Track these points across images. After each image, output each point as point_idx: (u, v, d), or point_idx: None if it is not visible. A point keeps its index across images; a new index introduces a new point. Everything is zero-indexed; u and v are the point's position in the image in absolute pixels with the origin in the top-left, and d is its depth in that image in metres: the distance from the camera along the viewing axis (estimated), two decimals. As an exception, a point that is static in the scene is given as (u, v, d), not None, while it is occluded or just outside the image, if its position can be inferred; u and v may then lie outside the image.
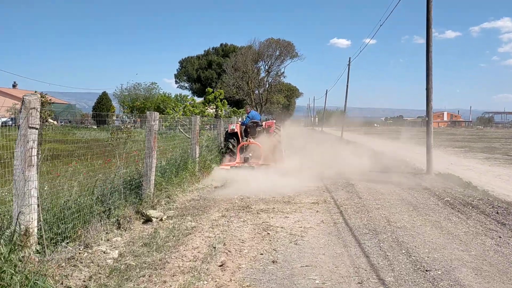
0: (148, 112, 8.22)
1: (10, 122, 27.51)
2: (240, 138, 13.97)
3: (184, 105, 16.40)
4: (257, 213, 7.25)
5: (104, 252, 5.26)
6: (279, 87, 51.70)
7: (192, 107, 16.31)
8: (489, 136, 53.32)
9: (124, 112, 50.31)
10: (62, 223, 5.45)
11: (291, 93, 57.75)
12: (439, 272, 4.47)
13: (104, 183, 6.80)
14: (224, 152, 13.97)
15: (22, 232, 4.26)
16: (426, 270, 4.51)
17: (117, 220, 6.51)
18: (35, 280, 3.87)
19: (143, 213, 7.21)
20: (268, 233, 5.92)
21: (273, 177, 11.40)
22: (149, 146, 8.07)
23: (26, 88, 66.83)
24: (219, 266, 4.59)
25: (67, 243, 5.34)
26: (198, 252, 5.05)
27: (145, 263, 4.69)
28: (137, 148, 8.84)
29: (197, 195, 9.20)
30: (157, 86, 54.24)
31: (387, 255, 4.98)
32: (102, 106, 51.89)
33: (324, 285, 4.12)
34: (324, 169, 12.76)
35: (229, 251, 5.12)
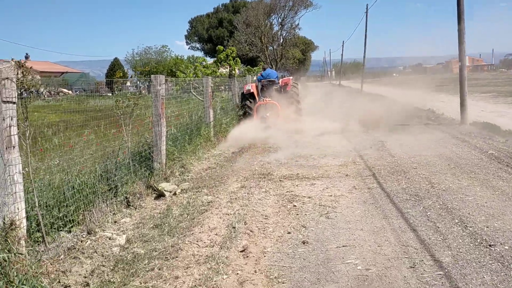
0: (152, 76, 7.43)
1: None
2: (257, 98, 13.20)
3: (194, 66, 15.47)
4: (280, 180, 6.53)
5: (109, 239, 4.63)
6: (294, 40, 49.55)
7: (204, 67, 15.39)
8: (515, 78, 50.93)
9: (137, 77, 49.54)
10: (64, 206, 4.85)
11: (306, 47, 55.57)
12: (506, 247, 3.69)
13: (109, 158, 6.13)
14: (242, 114, 13.24)
15: (7, 226, 3.63)
16: (490, 245, 3.74)
17: (126, 198, 5.88)
18: (22, 283, 3.26)
19: (155, 187, 6.57)
20: (295, 205, 5.20)
21: (293, 137, 10.64)
22: (156, 113, 7.33)
23: (39, 59, 66.42)
24: (240, 252, 3.90)
25: (70, 227, 4.75)
26: (216, 235, 4.38)
27: (155, 251, 4.04)
28: (144, 117, 8.12)
29: (213, 163, 8.52)
30: (168, 49, 52.86)
31: (438, 227, 4.21)
32: (114, 72, 51.14)
33: (369, 272, 3.40)
34: (347, 125, 11.92)
35: (251, 231, 4.43)
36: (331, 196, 5.52)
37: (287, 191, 5.89)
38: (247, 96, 13.12)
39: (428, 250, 3.70)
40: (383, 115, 12.79)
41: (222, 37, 56.29)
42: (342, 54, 60.61)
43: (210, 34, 59.37)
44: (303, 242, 4.05)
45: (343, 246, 3.93)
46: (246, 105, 13.05)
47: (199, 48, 63.06)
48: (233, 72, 17.11)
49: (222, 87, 17.29)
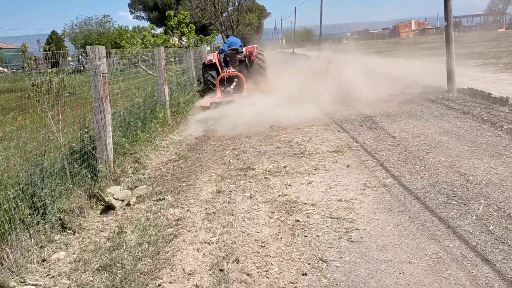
0: (88, 48, 5.67)
1: None
2: (220, 69, 11.77)
3: (143, 36, 13.45)
4: (265, 178, 5.09)
5: (29, 301, 3.06)
6: (250, 5, 46.98)
7: (153, 37, 13.42)
8: (464, 40, 51.53)
9: (77, 50, 45.75)
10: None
11: (260, 13, 53.26)
12: None
13: (33, 163, 4.43)
14: (204, 87, 11.89)
15: None
16: None
17: (60, 218, 4.25)
18: None
19: (101, 196, 4.95)
20: (297, 220, 3.79)
21: (265, 113, 9.19)
22: (97, 97, 5.62)
23: (-36, 34, 60.38)
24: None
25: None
26: (195, 286, 2.89)
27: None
28: (86, 99, 6.36)
29: (174, 153, 6.95)
30: (111, 19, 49.08)
31: (517, 253, 2.95)
32: (52, 47, 46.96)
33: None
34: (323, 98, 10.57)
35: (248, 274, 2.98)
36: (340, 201, 4.15)
37: (279, 195, 4.47)
38: (209, 67, 11.67)
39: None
40: (356, 86, 11.54)
41: (169, 4, 52.90)
42: (295, 21, 59.02)
43: (155, 1, 55.67)
44: (333, 295, 2.66)
45: (396, 299, 2.58)
46: (207, 77, 11.62)
47: (145, 17, 59.17)
48: (188, 41, 15.25)
49: (173, 59, 15.37)
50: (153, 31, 14.26)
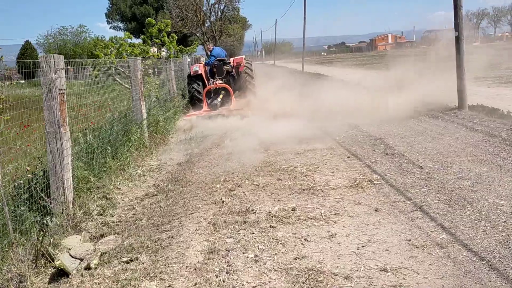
0: (41, 57, 4.42)
1: None
2: (206, 81, 10.96)
3: (119, 45, 12.18)
4: (271, 227, 3.89)
5: None
6: (234, 15, 45.83)
7: (130, 46, 12.16)
8: (443, 54, 51.77)
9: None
10: None
11: (242, 24, 52.27)
12: None
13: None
14: (189, 100, 11.18)
15: None
16: None
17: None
18: None
19: (51, 255, 3.68)
20: (332, 308, 2.60)
21: (257, 132, 8.11)
22: (52, 119, 4.39)
23: None
24: None
25: None
26: None
27: None
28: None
29: (152, 184, 5.71)
30: (87, 29, 47.39)
31: None
32: (26, 57, 45.05)
33: None
34: (317, 114, 9.52)
35: None
36: (384, 270, 2.98)
37: (295, 257, 3.27)
38: (194, 79, 10.84)
39: None
40: (353, 103, 10.52)
41: (147, 15, 51.58)
42: (275, 33, 58.35)
43: (134, 11, 54.18)
44: None
45: None
46: (193, 89, 10.81)
47: (122, 28, 57.50)
48: (168, 51, 14.03)
49: (152, 71, 14.09)
50: (129, 39, 12.99)
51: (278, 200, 4.59)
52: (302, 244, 3.51)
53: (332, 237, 3.57)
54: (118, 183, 5.65)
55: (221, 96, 10.51)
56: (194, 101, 10.93)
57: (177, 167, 6.51)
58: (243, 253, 3.41)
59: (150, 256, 3.54)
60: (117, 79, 10.47)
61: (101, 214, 4.72)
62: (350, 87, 13.72)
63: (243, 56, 11.99)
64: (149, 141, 7.75)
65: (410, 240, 3.39)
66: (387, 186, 4.73)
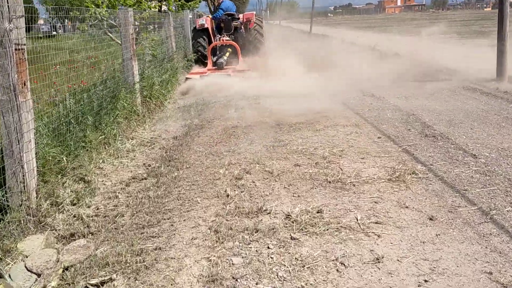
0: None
1: None
2: (212, 37, 10.11)
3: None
4: (292, 238, 2.91)
5: None
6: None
7: (124, -4, 10.83)
8: (455, 18, 49.70)
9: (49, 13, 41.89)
10: None
11: (247, -20, 49.84)
12: None
13: None
14: (194, 55, 10.42)
15: None
16: None
17: None
18: None
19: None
20: None
21: (267, 98, 7.18)
22: (5, 84, 3.32)
23: None
24: None
25: None
26: None
27: None
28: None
29: (142, 164, 4.71)
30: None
31: None
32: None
33: None
34: (334, 80, 8.48)
35: None
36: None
37: (331, 294, 2.30)
38: (200, 33, 10.08)
39: None
40: (374, 70, 9.40)
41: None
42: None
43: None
44: None
45: None
46: (198, 44, 10.05)
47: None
48: (168, 3, 12.68)
49: (151, 27, 12.78)
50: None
51: (298, 196, 3.60)
52: (338, 270, 2.54)
53: (379, 262, 2.60)
54: (100, 160, 4.66)
55: (227, 54, 9.60)
56: (198, 57, 10.21)
57: (173, 141, 5.49)
58: (256, 284, 2.44)
59: (129, 278, 2.58)
60: (109, 34, 9.27)
61: (74, 204, 3.75)
62: (359, 49, 12.58)
63: (254, 12, 10.84)
64: (142, 107, 6.70)
65: (491, 274, 2.41)
66: (438, 181, 3.71)
